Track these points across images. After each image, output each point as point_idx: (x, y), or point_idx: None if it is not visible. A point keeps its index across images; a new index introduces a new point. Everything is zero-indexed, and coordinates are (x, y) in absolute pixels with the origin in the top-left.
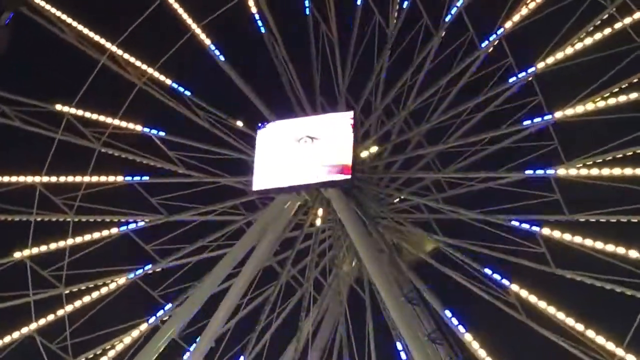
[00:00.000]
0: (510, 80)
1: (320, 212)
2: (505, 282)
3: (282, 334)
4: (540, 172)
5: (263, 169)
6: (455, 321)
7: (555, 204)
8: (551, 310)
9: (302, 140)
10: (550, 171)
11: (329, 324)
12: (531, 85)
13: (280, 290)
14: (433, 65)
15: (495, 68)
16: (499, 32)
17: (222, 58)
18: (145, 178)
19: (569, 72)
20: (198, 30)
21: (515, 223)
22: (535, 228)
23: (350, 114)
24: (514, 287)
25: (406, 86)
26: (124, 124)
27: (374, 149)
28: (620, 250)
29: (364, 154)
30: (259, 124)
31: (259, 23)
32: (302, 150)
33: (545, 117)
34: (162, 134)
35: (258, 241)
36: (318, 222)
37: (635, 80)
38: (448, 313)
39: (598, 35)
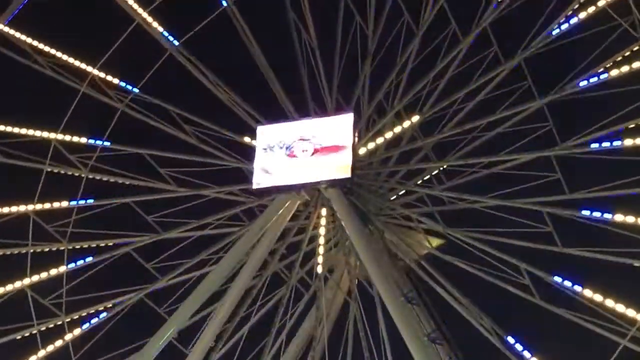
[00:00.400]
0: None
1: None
2: (516, 263)
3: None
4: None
5: (262, 169)
6: (519, 347)
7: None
8: (567, 284)
9: (302, 141)
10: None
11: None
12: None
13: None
14: (418, 62)
15: (481, 57)
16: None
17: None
18: (90, 201)
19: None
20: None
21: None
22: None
23: (350, 115)
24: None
25: (393, 85)
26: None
27: (370, 145)
28: (630, 219)
29: (362, 151)
30: (259, 124)
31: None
32: (302, 151)
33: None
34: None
35: (257, 241)
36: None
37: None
38: (511, 339)
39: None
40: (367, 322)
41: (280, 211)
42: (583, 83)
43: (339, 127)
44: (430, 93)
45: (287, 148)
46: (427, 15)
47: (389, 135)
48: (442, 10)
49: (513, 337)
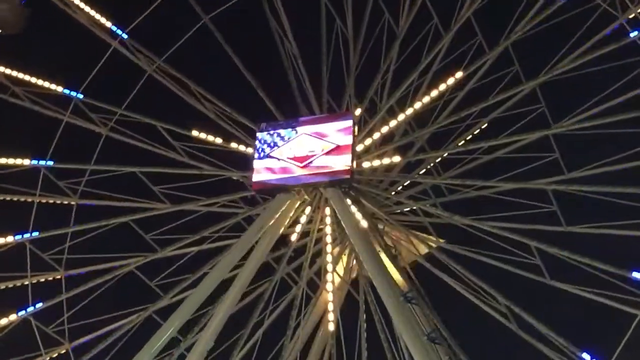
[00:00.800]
0: None
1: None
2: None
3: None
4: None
5: (263, 168)
6: None
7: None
8: (541, 326)
9: (302, 142)
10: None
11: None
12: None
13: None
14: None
15: (501, 75)
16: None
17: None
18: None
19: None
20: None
21: (508, 234)
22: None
23: (350, 117)
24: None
25: (379, 84)
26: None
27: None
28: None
29: (366, 164)
30: (260, 124)
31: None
32: (302, 150)
33: None
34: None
35: (257, 241)
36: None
37: None
38: (586, 356)
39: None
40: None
41: (280, 211)
42: None
43: (338, 129)
44: (418, 88)
45: (287, 148)
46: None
47: (384, 129)
48: (424, 7)
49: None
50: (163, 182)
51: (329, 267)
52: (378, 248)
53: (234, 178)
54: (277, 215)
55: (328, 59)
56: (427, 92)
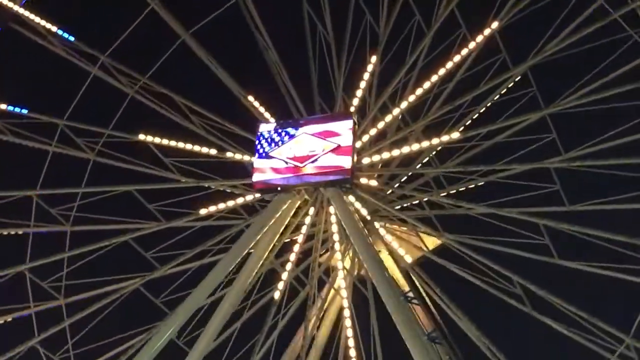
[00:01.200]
0: None
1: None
2: (509, 274)
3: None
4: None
5: (263, 169)
6: None
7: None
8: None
9: (303, 141)
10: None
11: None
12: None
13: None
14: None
15: (489, 63)
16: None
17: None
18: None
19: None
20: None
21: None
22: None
23: (351, 117)
24: (519, 279)
25: (401, 83)
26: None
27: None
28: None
29: (365, 160)
30: (261, 124)
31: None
32: (303, 150)
33: None
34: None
35: (257, 241)
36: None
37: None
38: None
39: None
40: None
41: (281, 210)
42: None
43: (339, 129)
44: (407, 84)
45: (287, 148)
46: (440, 14)
47: (380, 125)
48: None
49: None
50: (155, 199)
51: (339, 264)
52: (379, 247)
53: (228, 190)
54: (277, 215)
55: (315, 62)
56: (418, 85)
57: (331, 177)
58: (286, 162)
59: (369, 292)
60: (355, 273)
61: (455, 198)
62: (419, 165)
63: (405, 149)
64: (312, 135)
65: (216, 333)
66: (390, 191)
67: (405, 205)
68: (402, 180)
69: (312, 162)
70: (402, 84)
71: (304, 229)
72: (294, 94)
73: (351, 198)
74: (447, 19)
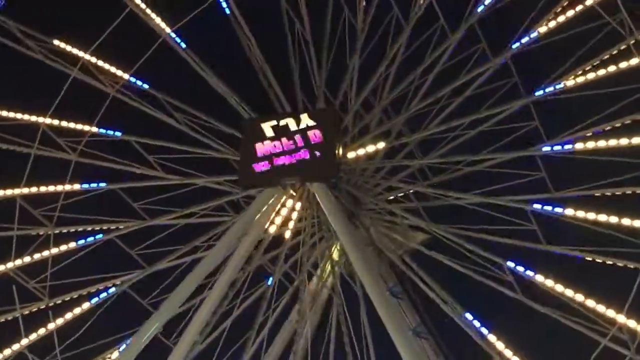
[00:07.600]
0: None
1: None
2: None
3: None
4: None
5: (248, 163)
6: (477, 323)
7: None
8: (549, 284)
9: (288, 136)
10: None
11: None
12: (507, 67)
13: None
14: (405, 56)
15: (469, 54)
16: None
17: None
18: (103, 184)
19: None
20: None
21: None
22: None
23: (334, 111)
24: (510, 265)
25: (381, 79)
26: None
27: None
28: (613, 219)
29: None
30: (245, 118)
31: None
32: (288, 145)
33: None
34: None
35: (242, 237)
36: None
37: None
38: (469, 316)
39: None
40: (350, 317)
41: (267, 205)
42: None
43: (322, 124)
44: (417, 88)
45: (273, 142)
46: (417, 8)
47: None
48: (431, 6)
49: None
50: (161, 154)
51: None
52: (364, 242)
53: (213, 186)
54: (263, 209)
55: (296, 59)
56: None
57: (315, 172)
58: (270, 158)
59: (357, 286)
60: (343, 267)
61: (443, 189)
62: (403, 156)
63: (389, 142)
64: (296, 130)
65: (200, 328)
66: (376, 184)
67: (391, 197)
68: (388, 172)
69: (296, 157)
70: (383, 78)
71: (290, 225)
72: (277, 91)
73: (336, 192)
74: (425, 11)
